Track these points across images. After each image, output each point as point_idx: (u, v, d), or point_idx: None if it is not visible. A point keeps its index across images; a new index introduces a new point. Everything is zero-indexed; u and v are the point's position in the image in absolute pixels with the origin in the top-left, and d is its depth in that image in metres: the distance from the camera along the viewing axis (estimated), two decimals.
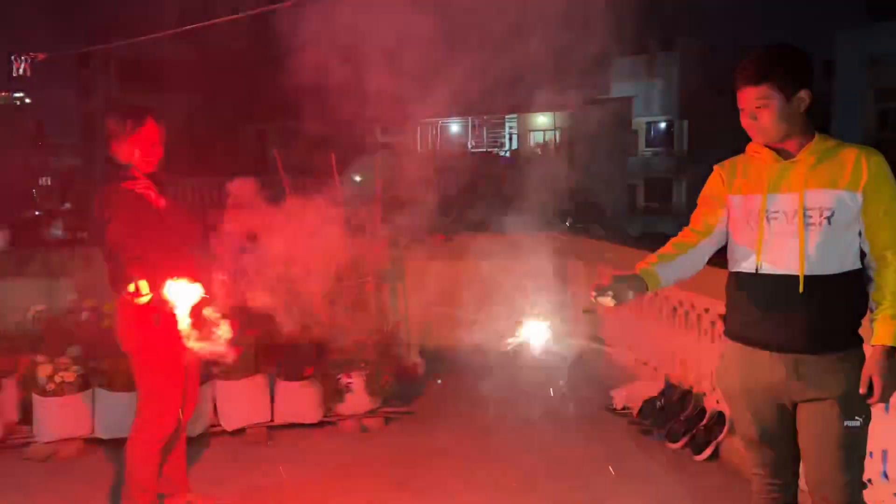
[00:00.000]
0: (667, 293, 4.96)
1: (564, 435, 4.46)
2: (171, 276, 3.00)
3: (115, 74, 18.92)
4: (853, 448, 2.34)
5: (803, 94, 2.33)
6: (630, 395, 4.81)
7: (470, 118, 33.77)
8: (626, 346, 5.53)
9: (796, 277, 2.31)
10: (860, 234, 2.32)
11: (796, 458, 2.48)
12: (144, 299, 2.95)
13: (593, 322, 5.71)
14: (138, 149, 3.14)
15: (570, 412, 4.84)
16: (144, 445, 3.24)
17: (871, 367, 2.26)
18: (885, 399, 2.28)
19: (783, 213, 2.34)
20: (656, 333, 5.12)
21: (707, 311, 4.48)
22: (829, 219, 2.29)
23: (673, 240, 2.59)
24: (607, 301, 2.40)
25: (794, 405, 2.40)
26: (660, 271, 2.49)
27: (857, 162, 2.29)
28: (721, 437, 4.15)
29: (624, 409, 4.82)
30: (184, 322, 3.00)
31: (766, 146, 2.40)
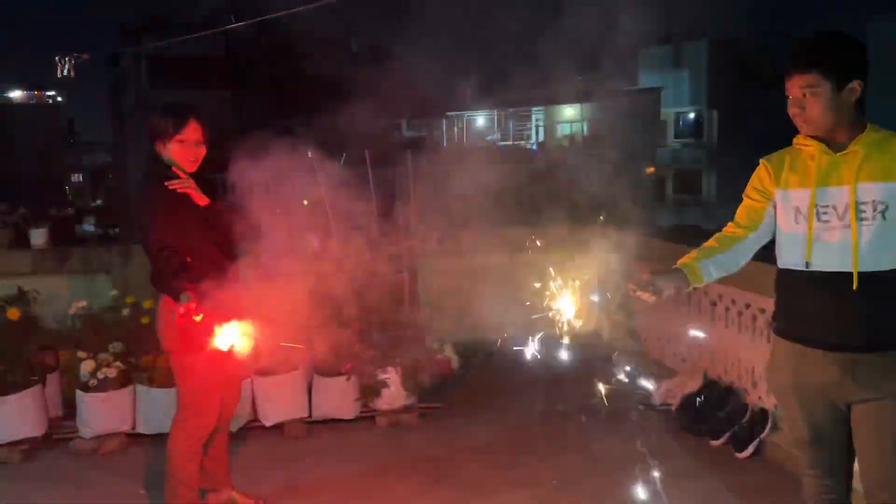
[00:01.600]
0: (706, 287, 4.88)
1: (602, 431, 4.41)
2: (216, 280, 2.92)
3: (145, 72, 19.13)
4: None
5: (855, 85, 2.23)
6: (669, 392, 4.75)
7: (496, 111, 33.67)
8: (664, 340, 5.46)
9: (849, 275, 2.23)
10: None
11: (850, 460, 2.41)
12: (196, 318, 2.88)
13: (630, 316, 5.64)
14: (182, 148, 3.12)
15: (607, 408, 4.78)
16: (185, 443, 3.26)
17: None
18: None
19: (833, 207, 2.25)
20: (695, 328, 5.04)
21: (748, 306, 4.41)
22: (883, 213, 2.20)
23: (716, 235, 2.53)
24: (646, 296, 2.35)
25: (848, 405, 2.32)
26: (702, 267, 2.43)
27: None
28: (764, 434, 4.08)
29: (663, 405, 4.76)
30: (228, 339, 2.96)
31: (815, 138, 2.30)
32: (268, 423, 4.52)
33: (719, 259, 2.46)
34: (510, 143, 31.66)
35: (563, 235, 6.24)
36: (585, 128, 27.26)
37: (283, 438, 4.48)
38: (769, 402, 4.24)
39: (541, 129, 31.73)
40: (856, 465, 2.40)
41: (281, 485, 3.89)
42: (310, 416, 4.61)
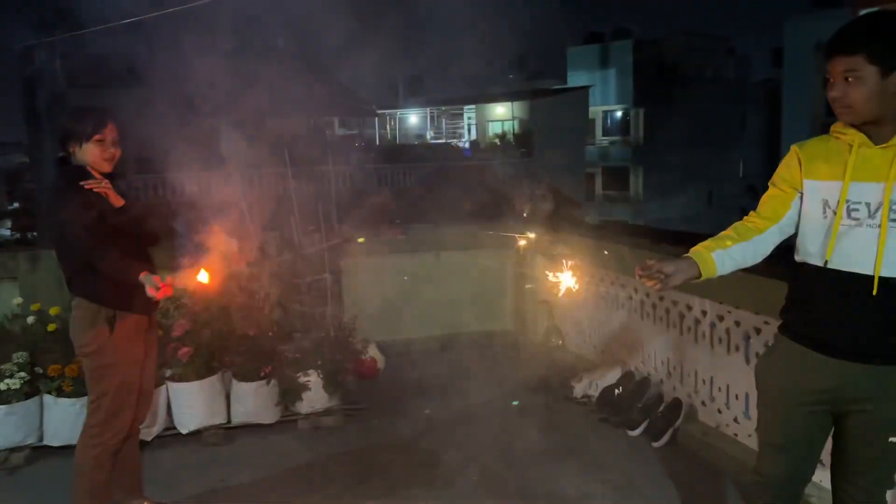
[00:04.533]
0: (622, 280, 5.00)
1: (525, 426, 4.47)
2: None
3: (60, 70, 18.38)
4: (895, 463, 2.25)
5: None
6: (589, 384, 4.84)
7: (428, 109, 33.72)
8: (584, 334, 5.56)
9: (870, 278, 2.06)
10: None
11: (808, 476, 2.35)
12: (168, 290, 3.00)
13: (551, 312, 5.72)
14: (100, 148, 3.09)
15: (530, 403, 4.86)
16: (94, 451, 3.16)
17: None
18: None
19: (865, 204, 2.07)
20: (614, 322, 5.16)
21: (661, 298, 4.53)
22: None
23: (735, 224, 2.32)
24: (653, 283, 2.20)
25: (838, 414, 2.22)
26: (716, 257, 2.24)
27: None
28: (678, 423, 4.21)
29: (584, 398, 4.85)
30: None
31: (854, 127, 2.11)
32: (184, 431, 4.40)
33: (734, 250, 2.25)
34: (443, 140, 31.76)
35: (488, 232, 6.31)
36: (516, 126, 27.57)
37: (200, 446, 4.36)
38: (683, 392, 4.37)
39: (473, 128, 31.93)
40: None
41: (198, 493, 3.79)
42: (229, 421, 4.51)
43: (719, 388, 4.09)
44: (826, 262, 2.13)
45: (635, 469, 3.94)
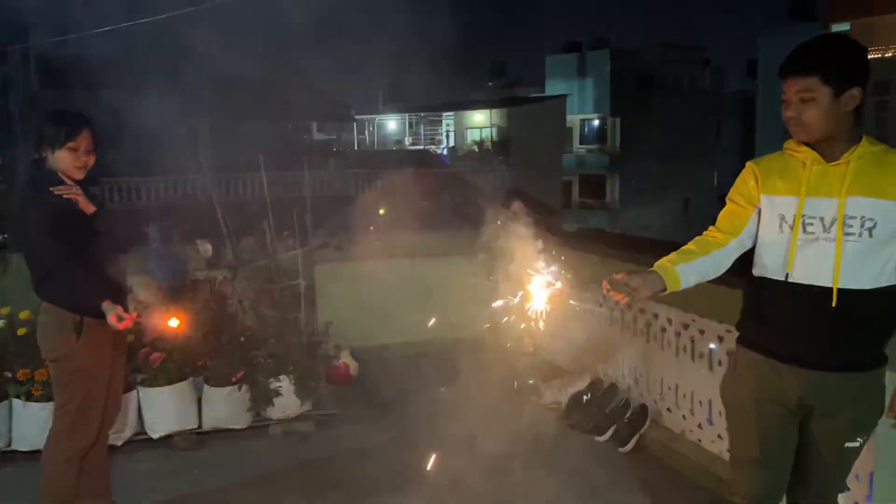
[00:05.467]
0: (592, 288, 5.07)
1: (494, 431, 4.51)
2: (104, 285, 3.05)
3: (34, 71, 18.19)
4: (849, 466, 2.33)
5: (854, 92, 2.10)
6: (558, 391, 4.91)
7: (407, 115, 33.80)
8: (555, 341, 5.63)
9: (829, 290, 2.13)
10: None
11: (783, 487, 2.38)
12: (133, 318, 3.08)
13: (524, 320, 5.77)
14: (72, 156, 3.06)
15: (499, 409, 4.91)
16: (61, 455, 3.16)
17: None
18: None
19: (819, 219, 2.15)
20: (584, 330, 5.23)
21: (630, 307, 4.61)
22: (870, 230, 2.10)
23: (696, 238, 2.41)
24: (621, 297, 2.25)
25: (802, 422, 2.29)
26: (680, 271, 2.31)
27: None
28: (644, 429, 4.29)
29: (553, 404, 4.92)
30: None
31: (807, 145, 2.18)
32: (155, 436, 4.40)
33: (697, 264, 2.33)
34: (421, 147, 31.84)
35: (463, 239, 6.37)
36: (494, 133, 27.72)
37: (171, 451, 4.36)
38: (649, 399, 4.46)
39: (451, 135, 32.06)
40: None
41: (167, 499, 3.80)
42: (200, 427, 4.51)
43: (684, 395, 4.18)
44: (787, 276, 2.19)
45: (601, 474, 4.00)
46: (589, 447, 4.36)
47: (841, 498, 3.07)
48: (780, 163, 2.27)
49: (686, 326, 4.08)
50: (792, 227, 2.19)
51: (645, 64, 32.47)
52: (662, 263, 2.32)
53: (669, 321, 4.23)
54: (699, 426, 4.04)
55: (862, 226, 2.11)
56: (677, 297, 3.90)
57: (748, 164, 2.35)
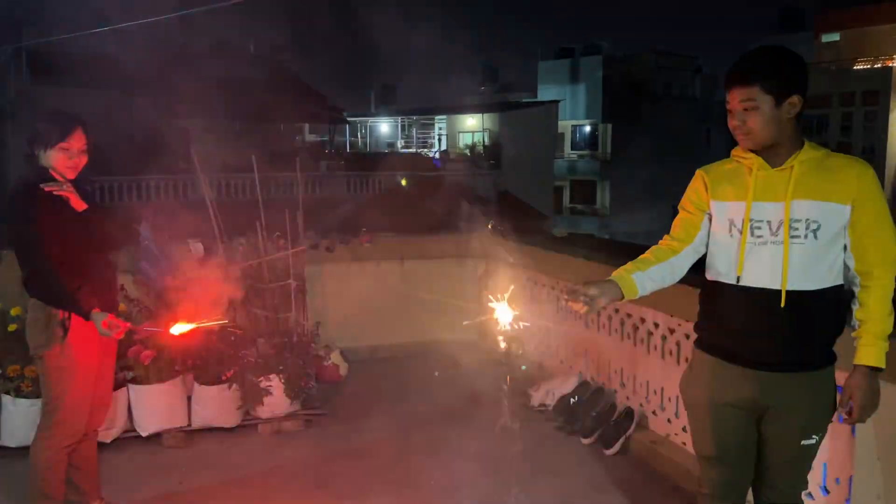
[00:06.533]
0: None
1: (482, 433, 4.55)
2: (95, 283, 3.09)
3: (26, 66, 18.10)
4: (808, 463, 2.38)
5: (795, 100, 2.19)
6: (546, 393, 4.96)
7: (399, 118, 33.86)
8: (544, 344, 5.68)
9: (778, 292, 2.21)
10: (845, 248, 2.23)
11: (747, 483, 2.44)
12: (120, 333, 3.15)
13: (513, 322, 5.82)
14: (64, 156, 3.08)
15: (487, 411, 4.94)
16: (49, 451, 3.17)
17: (852, 387, 2.22)
18: (862, 420, 2.26)
19: (767, 223, 2.23)
20: (571, 332, 5.29)
21: (617, 311, 4.67)
22: (815, 232, 2.18)
23: (652, 247, 2.48)
24: (579, 306, 2.30)
25: (758, 421, 2.35)
26: (637, 279, 2.38)
27: (848, 174, 2.19)
28: (630, 431, 4.34)
29: (541, 406, 4.97)
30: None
31: (753, 152, 2.27)
32: (144, 433, 4.41)
33: (653, 272, 2.41)
34: (413, 150, 31.89)
35: (453, 242, 6.42)
36: (486, 137, 27.80)
37: (160, 448, 4.38)
38: (635, 402, 4.51)
39: (443, 138, 32.12)
40: None
41: (156, 496, 3.81)
42: (189, 424, 4.53)
43: (669, 399, 4.23)
44: (738, 279, 2.27)
45: (586, 476, 4.06)
46: (574, 449, 4.41)
47: (821, 502, 3.15)
48: (729, 169, 2.36)
49: (672, 331, 4.14)
50: (741, 232, 2.26)
51: (637, 71, 32.68)
52: (619, 273, 2.40)
53: (656, 325, 4.28)
54: (683, 429, 4.09)
55: (807, 228, 2.19)
56: (663, 302, 3.98)
57: (698, 171, 2.44)
